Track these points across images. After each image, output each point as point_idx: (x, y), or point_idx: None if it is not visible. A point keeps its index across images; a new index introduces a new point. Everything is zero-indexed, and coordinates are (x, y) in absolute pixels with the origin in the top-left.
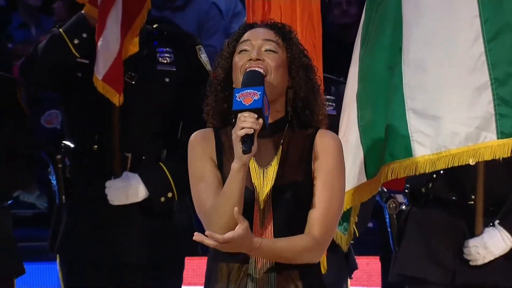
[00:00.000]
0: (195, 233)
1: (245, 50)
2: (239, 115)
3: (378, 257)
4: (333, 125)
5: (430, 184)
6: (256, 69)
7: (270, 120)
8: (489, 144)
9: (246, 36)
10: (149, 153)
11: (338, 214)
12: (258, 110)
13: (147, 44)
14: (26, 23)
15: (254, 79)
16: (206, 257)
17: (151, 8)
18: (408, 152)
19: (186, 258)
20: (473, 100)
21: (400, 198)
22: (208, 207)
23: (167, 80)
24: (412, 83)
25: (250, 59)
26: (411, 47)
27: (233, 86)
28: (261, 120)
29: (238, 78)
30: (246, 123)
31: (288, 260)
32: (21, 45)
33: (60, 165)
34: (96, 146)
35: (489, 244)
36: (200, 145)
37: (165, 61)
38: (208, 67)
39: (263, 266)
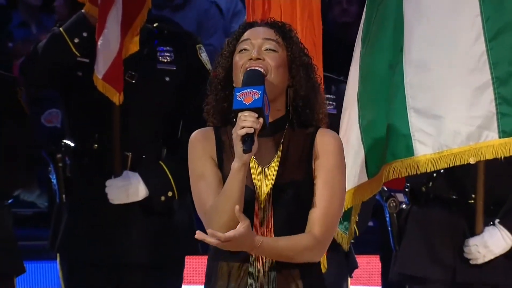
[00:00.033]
0: (197, 232)
1: (245, 49)
2: (239, 114)
3: (378, 256)
4: (334, 124)
5: (431, 183)
6: (257, 68)
7: (270, 119)
8: (490, 143)
9: (246, 35)
10: (149, 152)
11: (339, 213)
12: (258, 110)
13: (147, 43)
14: (27, 22)
15: (255, 78)
16: (207, 256)
17: (151, 7)
18: (409, 151)
19: (186, 257)
20: (474, 99)
21: (400, 197)
22: (209, 206)
23: (167, 79)
24: (413, 82)
25: (251, 59)
26: (412, 46)
27: (234, 85)
28: (261, 119)
29: (238, 77)
30: (247, 122)
31: (289, 259)
32: (21, 44)
33: (60, 164)
34: (96, 145)
35: (489, 243)
36: (200, 144)
37: (165, 60)
38: (208, 66)
39: (263, 265)
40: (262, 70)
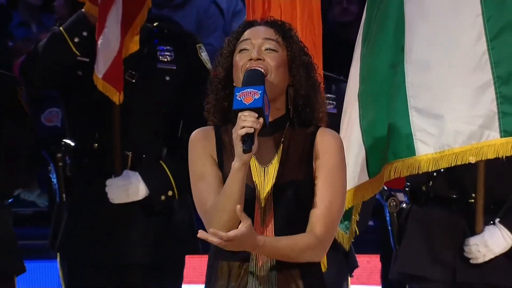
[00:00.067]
0: (199, 231)
1: (245, 49)
2: (239, 114)
3: (378, 255)
4: (334, 124)
5: (431, 182)
6: (257, 68)
7: (270, 119)
8: (492, 143)
9: (246, 34)
10: (150, 151)
11: (340, 213)
12: (258, 109)
13: (147, 43)
14: (27, 21)
15: (255, 78)
16: (207, 255)
17: (151, 6)
18: (411, 151)
19: (186, 256)
20: (476, 98)
21: (400, 196)
22: (209, 206)
23: (167, 78)
24: (415, 81)
25: (251, 59)
26: (414, 46)
27: (234, 84)
28: (261, 119)
29: (238, 77)
30: (247, 122)
31: (291, 259)
32: (21, 43)
33: (60, 164)
34: (96, 145)
35: (489, 242)
36: (200, 143)
37: (166, 60)
38: (209, 65)
39: (264, 265)
40: (262, 70)
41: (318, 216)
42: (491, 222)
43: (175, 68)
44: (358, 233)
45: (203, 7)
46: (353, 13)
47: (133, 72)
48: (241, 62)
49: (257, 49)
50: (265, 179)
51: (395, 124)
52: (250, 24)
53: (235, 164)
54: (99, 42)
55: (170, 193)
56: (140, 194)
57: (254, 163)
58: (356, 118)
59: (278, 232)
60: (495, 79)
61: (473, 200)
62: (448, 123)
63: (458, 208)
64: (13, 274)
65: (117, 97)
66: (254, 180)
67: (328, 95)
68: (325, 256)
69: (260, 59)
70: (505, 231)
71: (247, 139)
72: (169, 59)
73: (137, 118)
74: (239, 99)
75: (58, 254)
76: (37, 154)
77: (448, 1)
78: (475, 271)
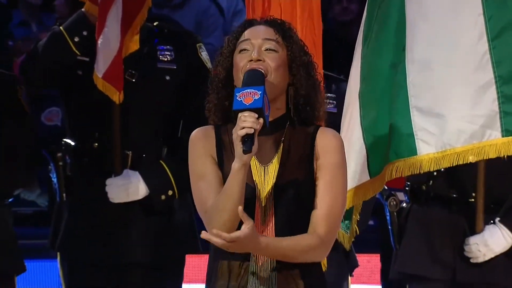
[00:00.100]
0: (202, 232)
1: (245, 50)
2: (239, 114)
3: (378, 255)
4: (334, 123)
5: (431, 182)
6: (257, 68)
7: (271, 118)
8: (493, 142)
9: (246, 34)
10: (150, 151)
11: (341, 212)
12: (258, 110)
13: (147, 42)
14: (27, 20)
15: (255, 79)
16: (207, 255)
17: (151, 6)
18: (412, 150)
19: (187, 255)
20: (477, 98)
21: (400, 195)
22: (209, 206)
23: (167, 78)
24: (416, 81)
25: (251, 60)
26: (415, 45)
27: (234, 84)
28: (261, 120)
29: (239, 78)
30: (247, 122)
31: (294, 259)
32: (21, 43)
33: (60, 163)
34: (96, 144)
35: (489, 242)
36: (200, 143)
37: (166, 59)
38: (209, 65)
39: (264, 264)
40: (262, 71)
41: (320, 217)
42: (491, 221)
43: (175, 67)
44: (358, 232)
45: (202, 7)
46: (353, 12)
47: (133, 72)
48: (241, 63)
49: (257, 49)
50: (266, 178)
51: (397, 123)
52: (250, 23)
53: (235, 164)
54: (99, 42)
55: (170, 192)
56: (140, 193)
57: (254, 163)
58: (357, 118)
59: (279, 232)
60: (496, 78)
61: (473, 200)
62: (450, 122)
63: (458, 208)
64: (13, 273)
65: (117, 97)
66: (254, 179)
67: (328, 94)
68: None
69: (260, 60)
70: (505, 230)
71: (247, 139)
72: (169, 59)
73: (137, 117)
74: (239, 100)
75: (58, 253)
76: (37, 153)
77: (449, 1)
78: (475, 270)
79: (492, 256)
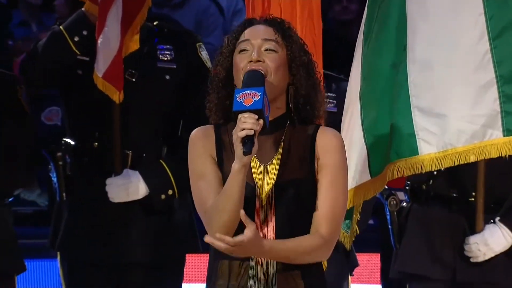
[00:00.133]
0: (206, 236)
1: (245, 50)
2: (239, 116)
3: (379, 254)
4: (334, 122)
5: (431, 181)
6: (257, 69)
7: (271, 117)
8: (495, 142)
9: (246, 34)
10: (150, 150)
11: (343, 212)
12: (258, 111)
13: (147, 42)
14: (27, 20)
15: (255, 79)
16: (207, 254)
17: (151, 5)
18: (414, 150)
19: (187, 255)
20: (479, 97)
21: (401, 195)
22: (209, 206)
23: (167, 77)
24: (417, 81)
25: (251, 61)
26: (416, 45)
27: (234, 83)
28: (261, 121)
29: (239, 78)
30: (247, 124)
31: (297, 261)
32: (21, 43)
33: (60, 163)
34: (96, 144)
35: (489, 241)
36: (200, 142)
37: (166, 59)
38: (209, 64)
39: (264, 264)
40: (262, 71)
41: (322, 217)
42: (491, 220)
43: (175, 67)
44: (358, 232)
45: (202, 7)
46: (353, 11)
47: (133, 71)
48: (241, 63)
49: (256, 50)
50: (266, 177)
51: (398, 123)
52: (250, 22)
53: (235, 165)
54: (99, 41)
55: (170, 192)
56: (140, 193)
57: (254, 162)
58: (357, 118)
59: (279, 231)
60: (497, 78)
61: (473, 199)
62: (451, 122)
63: (459, 207)
64: (13, 273)
65: (117, 96)
66: (254, 178)
67: (329, 93)
68: None
69: (260, 61)
70: (505, 229)
71: (247, 141)
72: (169, 58)
73: (137, 117)
74: (239, 101)
75: (58, 253)
76: (37, 153)
77: (449, 1)
78: (475, 270)
79: (492, 255)
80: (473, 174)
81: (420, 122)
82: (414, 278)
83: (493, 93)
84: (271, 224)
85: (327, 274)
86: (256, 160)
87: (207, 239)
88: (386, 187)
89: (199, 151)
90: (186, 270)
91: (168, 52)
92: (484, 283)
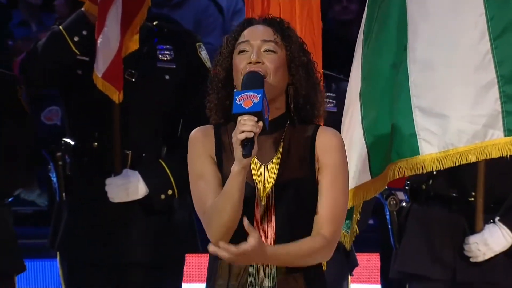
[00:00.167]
0: (210, 245)
1: (244, 51)
2: (239, 118)
3: (378, 254)
4: (334, 122)
5: (431, 181)
6: (256, 70)
7: (270, 117)
8: (496, 142)
9: (245, 35)
10: (149, 150)
11: (344, 212)
12: (258, 113)
13: (147, 42)
14: (27, 20)
15: (254, 81)
16: (207, 254)
17: (151, 5)
18: (415, 150)
19: (187, 255)
20: (480, 97)
21: (400, 195)
22: (208, 206)
23: (167, 77)
24: (418, 81)
25: (250, 62)
26: (417, 45)
27: (234, 83)
28: (261, 123)
29: (239, 79)
30: (246, 126)
31: (302, 264)
32: (21, 42)
33: (60, 163)
34: (96, 144)
35: (489, 241)
36: (200, 142)
37: (165, 59)
38: (208, 64)
39: (263, 263)
40: (261, 73)
41: (323, 218)
42: (491, 220)
43: (174, 67)
44: (358, 232)
45: (201, 7)
46: (353, 11)
47: (133, 71)
48: (241, 64)
49: (256, 51)
50: (266, 177)
51: (399, 123)
52: (249, 22)
53: (235, 168)
54: (98, 41)
55: (169, 192)
56: (140, 193)
57: (254, 162)
58: (357, 118)
59: (279, 231)
60: (498, 78)
61: (473, 199)
62: (452, 122)
63: (458, 207)
64: (13, 273)
65: (116, 96)
66: (254, 178)
67: (328, 93)
68: None
69: (259, 62)
70: (505, 229)
71: (247, 143)
72: (168, 58)
73: (137, 117)
74: (239, 103)
75: (58, 253)
76: (37, 153)
77: (450, 1)
78: (475, 269)
79: (492, 255)
80: (473, 174)
81: (421, 122)
82: (414, 278)
83: (494, 93)
84: (271, 224)
85: (327, 274)
86: (256, 160)
87: (211, 248)
88: (386, 187)
89: (198, 151)
90: (186, 270)
91: (167, 52)
92: (484, 283)
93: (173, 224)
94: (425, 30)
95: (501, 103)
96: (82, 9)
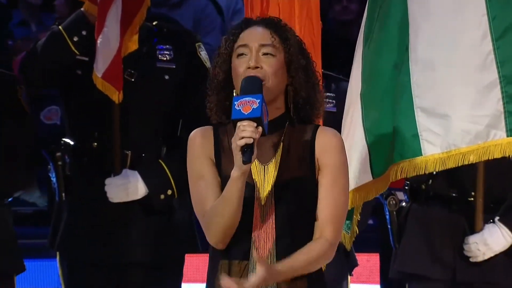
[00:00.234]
0: (224, 279)
1: (243, 54)
2: (238, 124)
3: (378, 254)
4: (334, 122)
5: (431, 181)
6: (255, 75)
7: (270, 118)
8: (498, 142)
9: (244, 38)
10: (149, 150)
11: (345, 212)
12: (257, 119)
13: (146, 42)
14: (27, 20)
15: (253, 86)
16: (207, 254)
17: (150, 5)
18: (417, 151)
19: (186, 255)
20: (482, 98)
21: (400, 195)
22: (207, 209)
23: (166, 77)
24: (420, 81)
25: (249, 67)
26: (419, 45)
27: (234, 83)
28: (260, 129)
29: (238, 83)
30: (246, 132)
31: (310, 270)
32: (21, 42)
33: (60, 163)
34: (96, 144)
35: (489, 241)
36: (199, 143)
37: (165, 59)
38: (208, 64)
39: None
40: (260, 77)
41: (325, 219)
42: (491, 220)
43: (174, 67)
44: (358, 232)
45: (200, 7)
46: (353, 11)
47: (133, 71)
48: (240, 68)
49: (254, 55)
50: (265, 177)
51: (401, 124)
52: (247, 23)
53: (234, 173)
54: (98, 41)
55: (169, 192)
56: (139, 193)
57: (254, 162)
58: (358, 118)
59: (279, 231)
60: (501, 78)
61: (472, 199)
62: (454, 123)
63: (458, 207)
64: (13, 273)
65: (116, 96)
66: (254, 178)
67: (328, 93)
68: None
69: (258, 67)
70: (505, 229)
71: (247, 149)
72: (168, 58)
73: (137, 117)
74: (238, 109)
75: (57, 253)
76: (37, 153)
77: (452, 1)
78: (475, 269)
79: (492, 255)
80: (472, 174)
81: (424, 123)
82: (413, 278)
83: (497, 93)
84: (271, 224)
85: (327, 274)
86: (255, 160)
87: (224, 283)
88: None
89: (197, 152)
90: (185, 270)
91: (167, 52)
92: (484, 283)
93: (173, 224)
94: (427, 30)
95: (504, 104)
96: (82, 9)
